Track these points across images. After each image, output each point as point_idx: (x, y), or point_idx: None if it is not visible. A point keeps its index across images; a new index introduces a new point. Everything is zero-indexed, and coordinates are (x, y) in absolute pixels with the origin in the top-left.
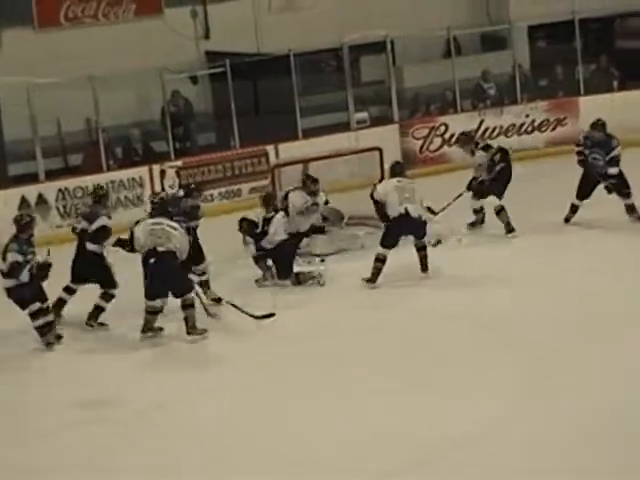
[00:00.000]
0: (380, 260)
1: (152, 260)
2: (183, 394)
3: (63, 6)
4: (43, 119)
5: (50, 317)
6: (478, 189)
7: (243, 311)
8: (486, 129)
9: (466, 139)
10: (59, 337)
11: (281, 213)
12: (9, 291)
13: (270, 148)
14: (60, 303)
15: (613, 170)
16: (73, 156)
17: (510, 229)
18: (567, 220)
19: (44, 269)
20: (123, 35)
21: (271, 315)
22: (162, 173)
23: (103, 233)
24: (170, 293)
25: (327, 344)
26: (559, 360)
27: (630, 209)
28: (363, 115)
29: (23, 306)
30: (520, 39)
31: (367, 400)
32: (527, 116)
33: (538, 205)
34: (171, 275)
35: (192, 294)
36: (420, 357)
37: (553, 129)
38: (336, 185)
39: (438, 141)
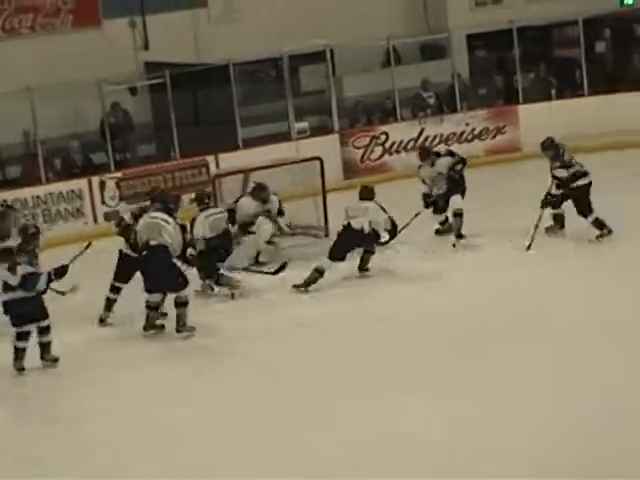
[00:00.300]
0: (318, 271)
1: (144, 253)
2: (178, 394)
3: (0, 17)
4: None
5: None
6: (433, 204)
7: (259, 271)
8: (426, 138)
9: (426, 153)
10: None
11: (204, 213)
12: (11, 304)
13: (210, 158)
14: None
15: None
16: (11, 168)
17: (460, 235)
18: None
19: (63, 273)
20: (61, 46)
21: (284, 266)
22: (102, 185)
23: None
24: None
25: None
26: (523, 365)
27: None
28: (303, 125)
29: (23, 320)
30: (459, 48)
31: (337, 405)
32: (467, 124)
33: (482, 213)
34: (162, 270)
35: (186, 292)
36: (377, 361)
37: (493, 137)
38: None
39: (379, 150)
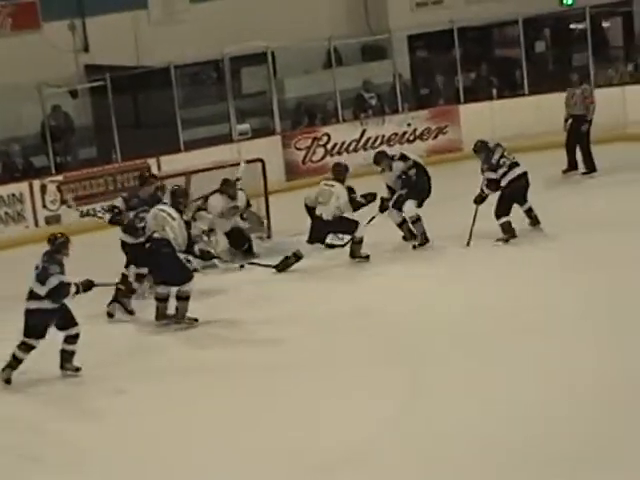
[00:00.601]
0: (296, 256)
1: (147, 245)
2: (174, 396)
3: None
4: None
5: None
6: (386, 207)
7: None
8: (368, 139)
9: (382, 156)
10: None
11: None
12: (35, 313)
13: (152, 161)
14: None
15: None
16: None
17: (425, 239)
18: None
19: (89, 287)
20: (0, 50)
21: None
22: (43, 188)
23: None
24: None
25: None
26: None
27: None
28: (245, 127)
29: (37, 333)
30: (400, 49)
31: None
32: (409, 125)
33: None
34: (164, 262)
35: (188, 286)
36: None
37: (435, 137)
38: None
39: (321, 151)
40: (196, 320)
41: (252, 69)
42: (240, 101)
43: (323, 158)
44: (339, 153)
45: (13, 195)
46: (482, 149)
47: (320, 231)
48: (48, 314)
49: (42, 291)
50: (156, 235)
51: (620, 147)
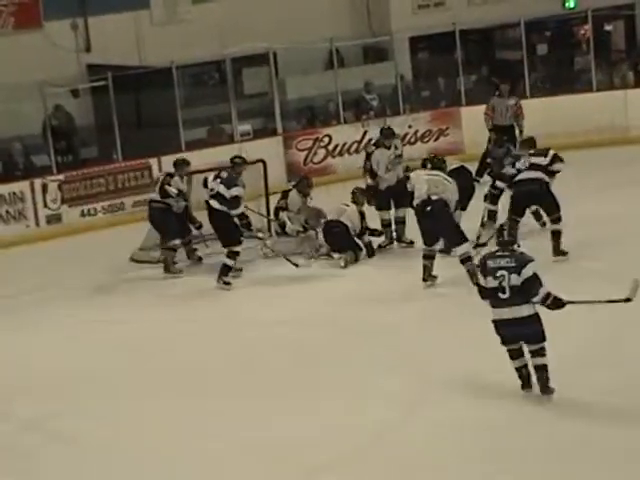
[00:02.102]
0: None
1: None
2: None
3: None
4: None
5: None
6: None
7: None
8: (369, 140)
9: (391, 133)
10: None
11: None
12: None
13: (153, 161)
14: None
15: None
16: None
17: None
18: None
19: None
20: (2, 49)
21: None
22: (44, 187)
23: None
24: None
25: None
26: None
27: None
28: (246, 127)
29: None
30: (402, 50)
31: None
32: (410, 127)
33: None
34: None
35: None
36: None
37: (436, 139)
38: None
39: (322, 152)
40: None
41: (254, 70)
42: (242, 101)
43: (324, 159)
44: (340, 154)
45: (14, 194)
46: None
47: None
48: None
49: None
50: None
51: (621, 151)
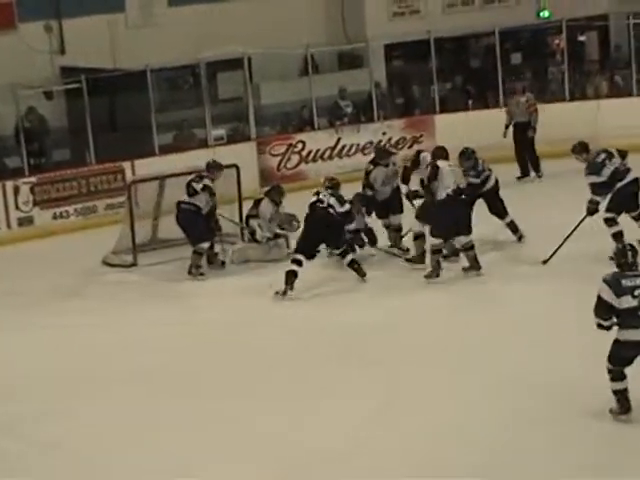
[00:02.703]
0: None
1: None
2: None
3: None
4: None
5: None
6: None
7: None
8: (343, 147)
9: (386, 152)
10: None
11: None
12: None
13: (127, 164)
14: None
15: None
16: None
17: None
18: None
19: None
20: None
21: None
22: (16, 190)
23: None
24: None
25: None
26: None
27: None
28: (220, 132)
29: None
30: (377, 57)
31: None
32: (384, 134)
33: None
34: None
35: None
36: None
37: (410, 147)
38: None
39: (295, 158)
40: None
41: (228, 74)
42: (216, 106)
43: (298, 165)
44: (314, 160)
45: None
46: (471, 157)
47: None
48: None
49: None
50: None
51: None
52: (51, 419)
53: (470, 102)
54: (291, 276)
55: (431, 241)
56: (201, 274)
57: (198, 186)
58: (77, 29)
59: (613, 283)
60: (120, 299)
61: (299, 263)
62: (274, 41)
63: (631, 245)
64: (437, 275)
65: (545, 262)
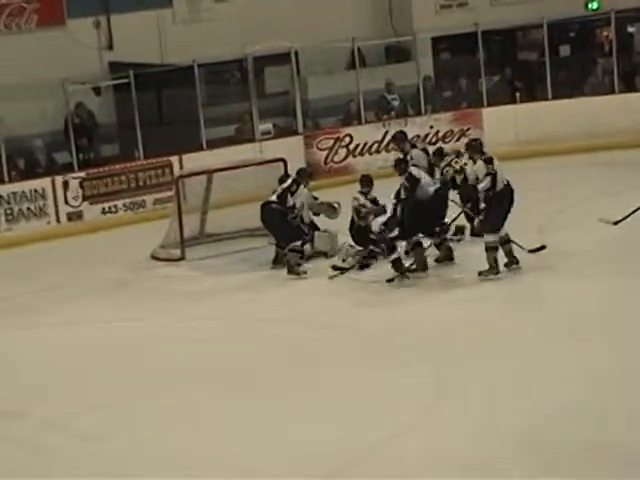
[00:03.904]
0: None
1: None
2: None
3: None
4: None
5: None
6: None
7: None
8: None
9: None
10: None
11: None
12: None
13: (174, 159)
14: None
15: None
16: None
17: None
18: None
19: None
20: (25, 46)
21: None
22: (65, 184)
23: None
24: None
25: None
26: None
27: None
28: (267, 126)
29: None
30: (424, 51)
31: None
32: (431, 127)
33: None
34: None
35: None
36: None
37: (457, 140)
38: (240, 197)
39: (343, 152)
40: None
41: (275, 69)
42: (263, 100)
43: (345, 159)
44: (361, 154)
45: (35, 191)
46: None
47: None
48: None
49: None
50: None
51: None
52: (96, 414)
53: (518, 95)
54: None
55: (489, 238)
56: (304, 272)
57: (289, 201)
58: (125, 25)
59: None
60: (168, 293)
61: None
62: (321, 35)
63: None
64: (497, 272)
65: (616, 223)
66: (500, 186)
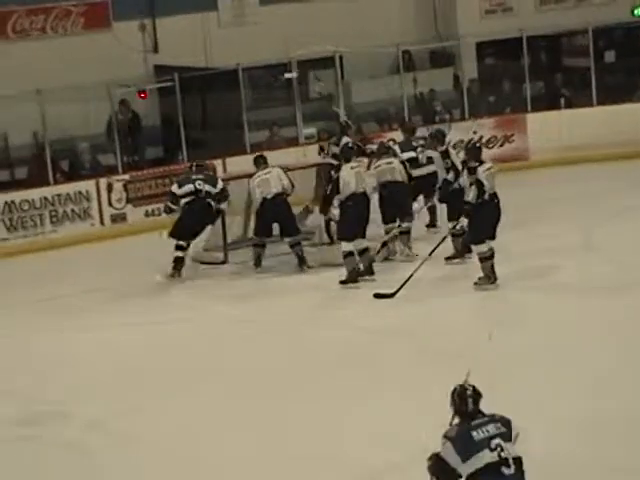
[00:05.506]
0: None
1: None
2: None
3: (11, 19)
4: None
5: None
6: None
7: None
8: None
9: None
10: None
11: None
12: None
13: (218, 162)
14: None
15: None
16: (20, 169)
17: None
18: None
19: None
20: (71, 48)
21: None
22: (109, 187)
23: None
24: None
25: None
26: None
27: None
28: (311, 130)
29: None
30: (468, 56)
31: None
32: (475, 132)
33: None
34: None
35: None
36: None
37: (501, 145)
38: None
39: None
40: None
41: (320, 73)
42: (307, 104)
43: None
44: None
45: (80, 193)
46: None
47: None
48: None
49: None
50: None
51: None
52: (135, 415)
53: (562, 101)
54: None
55: (477, 249)
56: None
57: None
58: (170, 28)
59: (458, 441)
60: (210, 296)
61: None
62: (366, 39)
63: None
64: (493, 282)
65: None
66: (486, 196)
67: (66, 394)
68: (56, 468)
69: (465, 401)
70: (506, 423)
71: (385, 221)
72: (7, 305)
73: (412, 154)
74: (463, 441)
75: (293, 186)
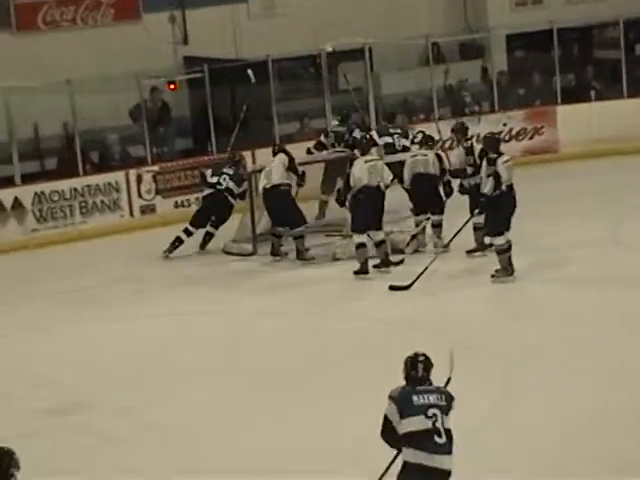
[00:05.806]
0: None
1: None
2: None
3: (42, 10)
4: (20, 123)
5: None
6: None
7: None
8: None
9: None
10: None
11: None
12: None
13: (247, 154)
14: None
15: None
16: (50, 160)
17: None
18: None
19: None
20: (101, 39)
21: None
22: (139, 178)
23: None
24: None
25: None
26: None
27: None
28: None
29: None
30: (498, 48)
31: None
32: (504, 124)
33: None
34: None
35: None
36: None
37: (530, 138)
38: (312, 192)
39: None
40: None
41: (349, 65)
42: (336, 96)
43: None
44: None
45: (109, 184)
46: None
47: None
48: None
49: None
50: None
51: None
52: (162, 404)
53: (593, 93)
54: None
55: (495, 241)
56: (312, 258)
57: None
58: (200, 19)
59: (399, 401)
60: (239, 288)
61: None
62: (395, 31)
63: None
64: (510, 274)
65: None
66: (504, 186)
67: (96, 384)
68: (89, 457)
69: (415, 366)
70: (448, 397)
71: (416, 213)
72: (34, 295)
73: (389, 139)
74: (403, 402)
75: (299, 176)
